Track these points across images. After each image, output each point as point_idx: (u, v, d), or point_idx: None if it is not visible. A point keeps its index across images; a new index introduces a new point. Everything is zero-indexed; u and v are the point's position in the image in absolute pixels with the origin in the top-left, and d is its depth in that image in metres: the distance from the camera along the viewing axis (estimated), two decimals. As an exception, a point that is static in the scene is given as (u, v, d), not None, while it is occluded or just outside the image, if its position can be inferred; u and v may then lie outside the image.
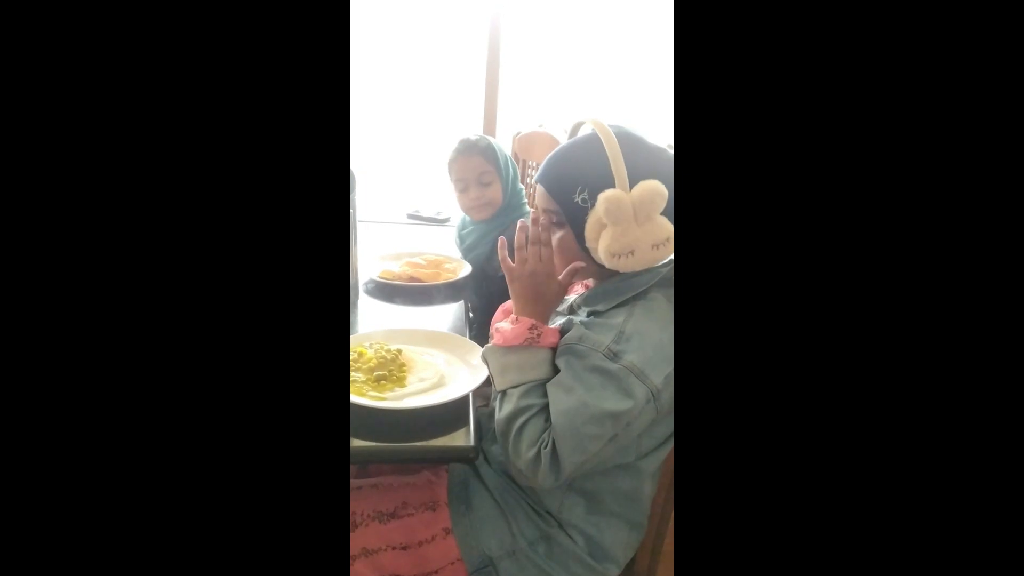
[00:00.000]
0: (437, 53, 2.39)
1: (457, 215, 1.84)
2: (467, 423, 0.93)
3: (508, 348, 0.90)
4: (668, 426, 0.91)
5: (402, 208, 2.20)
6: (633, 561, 1.02)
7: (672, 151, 0.91)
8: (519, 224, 0.94)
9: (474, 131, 1.71)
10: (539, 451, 0.83)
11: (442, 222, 2.11)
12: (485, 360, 0.94)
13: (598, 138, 0.86)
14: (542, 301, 0.92)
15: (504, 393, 0.89)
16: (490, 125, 2.48)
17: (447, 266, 1.55)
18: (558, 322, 0.95)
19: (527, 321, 0.90)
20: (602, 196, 0.83)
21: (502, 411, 0.88)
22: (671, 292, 0.89)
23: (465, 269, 1.53)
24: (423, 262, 1.55)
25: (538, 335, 0.89)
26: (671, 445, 0.93)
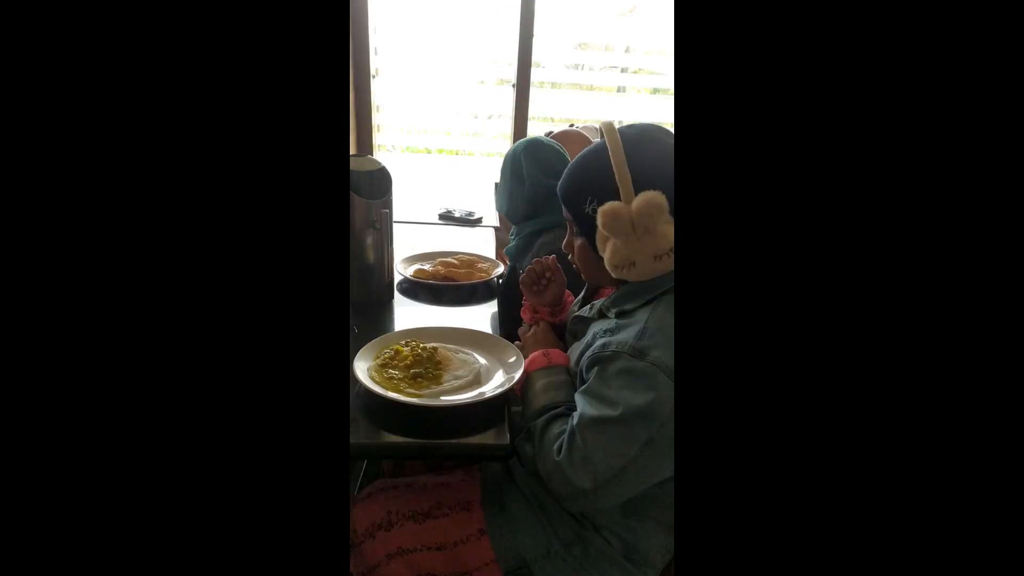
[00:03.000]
0: (468, 52, 2.40)
1: (492, 215, 1.83)
2: (503, 421, 0.93)
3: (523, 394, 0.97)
4: None
5: (433, 209, 2.21)
6: (671, 565, 1.00)
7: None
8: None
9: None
10: (560, 447, 0.82)
11: (474, 223, 2.11)
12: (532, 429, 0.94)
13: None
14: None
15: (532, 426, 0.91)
16: (520, 124, 2.48)
17: (480, 266, 1.54)
18: (587, 336, 0.94)
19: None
20: (601, 209, 0.83)
21: (536, 431, 0.90)
22: None
23: (498, 268, 1.52)
24: (456, 262, 1.55)
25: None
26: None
